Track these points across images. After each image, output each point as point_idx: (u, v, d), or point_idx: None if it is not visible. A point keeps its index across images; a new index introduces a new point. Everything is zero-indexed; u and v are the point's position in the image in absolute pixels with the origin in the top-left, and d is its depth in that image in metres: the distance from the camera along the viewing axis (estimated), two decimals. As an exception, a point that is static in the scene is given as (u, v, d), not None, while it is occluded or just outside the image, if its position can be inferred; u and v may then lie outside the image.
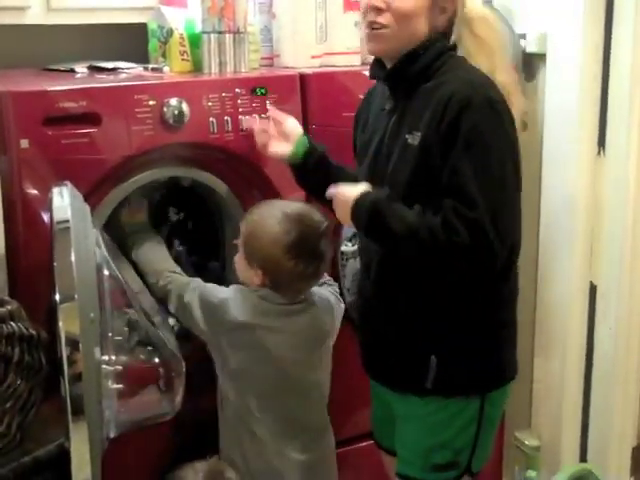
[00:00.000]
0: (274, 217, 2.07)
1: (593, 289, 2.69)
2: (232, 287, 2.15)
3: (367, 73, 2.08)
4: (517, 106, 1.89)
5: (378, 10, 1.87)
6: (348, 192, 1.90)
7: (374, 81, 2.09)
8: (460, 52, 1.93)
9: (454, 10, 1.91)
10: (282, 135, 2.21)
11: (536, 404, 2.87)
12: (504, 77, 1.90)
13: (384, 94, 2.00)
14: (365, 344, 2.10)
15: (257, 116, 2.27)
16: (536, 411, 2.88)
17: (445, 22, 1.91)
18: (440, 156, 1.80)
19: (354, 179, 2.04)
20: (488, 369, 1.98)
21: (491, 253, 1.76)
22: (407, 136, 1.87)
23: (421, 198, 1.83)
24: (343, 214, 1.92)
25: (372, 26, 1.90)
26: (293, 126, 2.21)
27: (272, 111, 2.27)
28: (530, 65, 2.82)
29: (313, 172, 2.18)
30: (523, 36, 2.80)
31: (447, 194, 1.77)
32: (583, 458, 2.80)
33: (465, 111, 1.77)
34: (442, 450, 1.99)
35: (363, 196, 1.87)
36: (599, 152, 2.61)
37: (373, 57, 2.02)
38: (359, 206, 1.87)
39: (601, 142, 2.61)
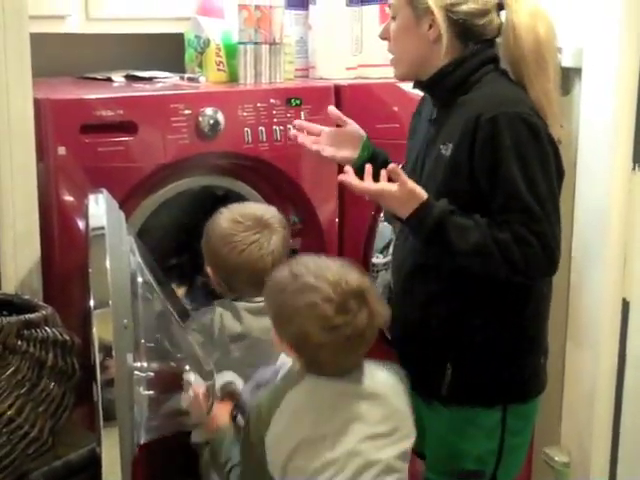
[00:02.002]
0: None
1: (626, 305, 2.67)
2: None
3: (401, 85, 2.10)
4: (551, 117, 1.90)
5: (384, 39, 1.99)
6: (418, 188, 1.84)
7: (401, 95, 2.20)
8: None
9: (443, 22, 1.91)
10: (342, 139, 2.15)
11: (566, 420, 2.85)
12: (538, 89, 1.91)
13: (430, 103, 2.03)
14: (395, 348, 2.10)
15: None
16: (566, 427, 2.86)
17: (437, 36, 1.90)
18: (470, 172, 1.83)
19: None
20: (507, 380, 1.97)
21: (556, 263, 1.84)
22: (441, 146, 1.90)
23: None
24: (398, 205, 1.85)
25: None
26: (356, 129, 2.17)
27: (332, 112, 2.19)
28: (566, 79, 2.80)
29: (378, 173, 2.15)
30: (559, 50, 2.78)
31: (504, 210, 1.80)
32: (613, 475, 2.77)
33: (498, 130, 1.80)
34: (464, 457, 1.99)
35: (431, 201, 1.83)
36: (634, 168, 2.59)
37: None
38: (427, 211, 1.82)
39: (636, 158, 2.59)
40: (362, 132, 2.16)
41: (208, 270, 2.16)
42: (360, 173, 2.08)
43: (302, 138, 2.12)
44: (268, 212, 2.15)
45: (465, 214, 1.83)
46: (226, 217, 2.13)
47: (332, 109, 2.20)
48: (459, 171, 1.85)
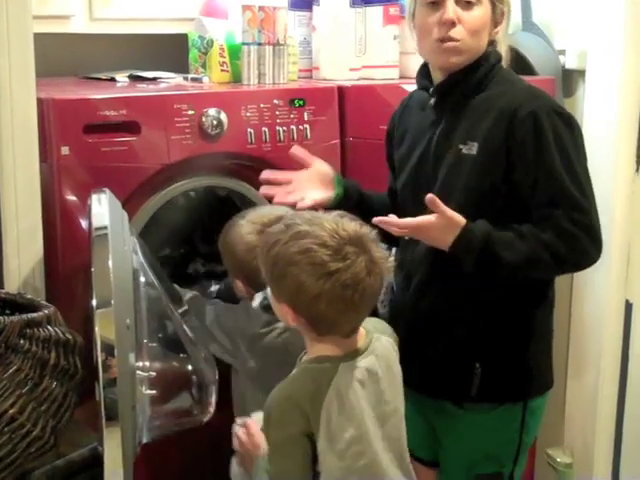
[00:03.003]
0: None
1: (629, 307, 2.67)
2: None
3: (405, 87, 2.10)
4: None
5: (452, 24, 1.89)
6: (456, 215, 1.81)
7: (404, 96, 2.14)
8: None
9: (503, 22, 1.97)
10: (313, 180, 2.11)
11: (569, 421, 2.85)
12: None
13: (424, 106, 2.02)
14: (402, 354, 2.08)
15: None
16: (568, 428, 2.86)
17: (495, 35, 1.96)
18: (506, 169, 1.85)
19: (388, 202, 2.13)
20: (530, 375, 1.99)
21: (600, 253, 1.86)
22: (461, 146, 1.90)
23: (479, 206, 1.87)
24: (439, 234, 1.83)
25: (443, 40, 1.91)
26: (325, 168, 2.14)
27: (296, 152, 2.16)
28: (569, 81, 2.81)
29: (355, 206, 2.09)
30: (563, 52, 2.79)
31: (550, 205, 1.82)
32: (615, 476, 2.77)
33: (539, 125, 1.83)
34: (486, 461, 2.00)
35: (471, 225, 1.81)
36: (637, 170, 2.60)
37: (418, 70, 2.05)
38: (470, 235, 1.80)
39: (639, 159, 2.59)
40: (329, 167, 2.14)
41: (237, 282, 2.10)
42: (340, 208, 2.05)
43: (277, 198, 2.07)
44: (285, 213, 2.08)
45: (503, 226, 1.82)
46: (248, 230, 2.05)
47: (295, 150, 2.17)
48: (491, 169, 1.87)
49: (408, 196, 2.03)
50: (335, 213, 1.71)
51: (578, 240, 1.81)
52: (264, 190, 2.11)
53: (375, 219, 1.79)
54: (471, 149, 1.88)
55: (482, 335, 1.93)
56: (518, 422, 1.98)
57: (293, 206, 2.02)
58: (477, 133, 1.89)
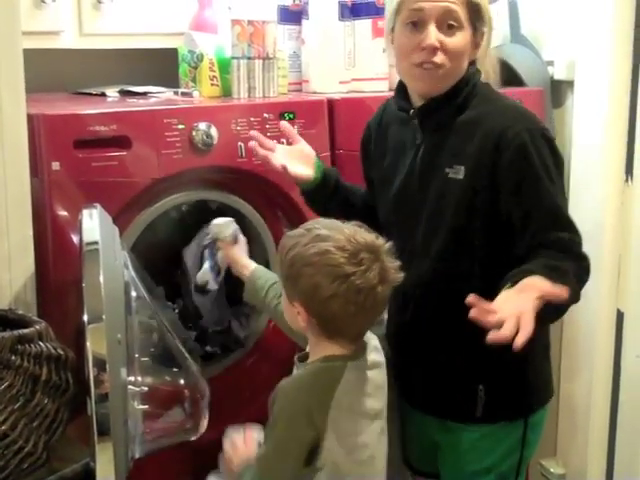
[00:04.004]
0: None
1: (620, 316, 2.68)
2: None
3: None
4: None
5: (434, 50, 1.84)
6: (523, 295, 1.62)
7: (374, 110, 2.13)
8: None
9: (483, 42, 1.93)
10: (294, 156, 2.14)
11: (562, 432, 2.85)
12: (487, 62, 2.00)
13: (404, 126, 1.98)
14: (403, 373, 2.04)
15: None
16: (562, 439, 2.86)
17: (475, 54, 1.94)
18: (492, 192, 1.82)
19: (363, 199, 2.13)
20: (532, 390, 1.98)
21: None
22: (447, 170, 1.87)
23: (468, 229, 1.85)
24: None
25: (424, 65, 1.86)
26: (308, 149, 2.17)
27: (285, 127, 2.21)
28: (558, 92, 2.83)
29: (331, 195, 2.14)
30: (551, 63, 2.81)
31: (547, 228, 1.79)
32: (609, 486, 2.78)
33: (525, 147, 1.80)
34: (487, 475, 1.97)
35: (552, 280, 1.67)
36: (627, 180, 2.61)
37: (396, 88, 2.01)
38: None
39: (629, 170, 2.60)
40: (312, 151, 2.16)
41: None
42: (311, 192, 2.12)
43: (262, 152, 2.12)
44: None
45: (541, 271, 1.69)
46: None
47: (284, 124, 2.21)
48: (479, 193, 1.84)
49: (393, 221, 2.01)
50: (353, 223, 1.78)
51: (586, 260, 1.81)
52: (252, 144, 2.13)
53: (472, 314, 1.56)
54: (458, 173, 1.85)
55: (484, 357, 1.83)
56: (520, 436, 1.96)
57: (283, 207, 2.19)
58: (463, 156, 1.86)
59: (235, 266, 2.20)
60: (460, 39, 1.86)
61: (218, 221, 2.24)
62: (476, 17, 1.88)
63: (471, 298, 1.55)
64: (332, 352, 1.78)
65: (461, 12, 1.84)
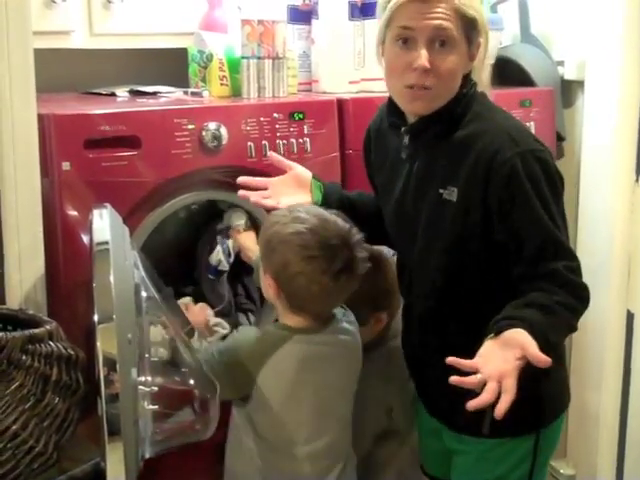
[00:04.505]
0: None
1: (630, 317, 2.67)
2: None
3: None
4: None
5: (425, 72, 1.77)
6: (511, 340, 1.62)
7: (375, 112, 2.09)
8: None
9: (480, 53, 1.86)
10: (288, 185, 2.11)
11: (572, 433, 2.84)
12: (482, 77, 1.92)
13: (398, 139, 1.93)
14: (421, 388, 2.05)
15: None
16: (572, 440, 2.85)
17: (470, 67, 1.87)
18: (483, 215, 1.77)
19: (373, 204, 2.09)
20: (544, 405, 1.92)
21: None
22: (441, 191, 1.82)
23: (463, 252, 1.81)
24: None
25: (414, 88, 1.79)
26: (302, 172, 2.12)
27: (274, 157, 2.18)
28: (569, 92, 2.82)
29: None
30: (561, 63, 2.80)
31: (539, 257, 1.73)
32: (619, 487, 2.77)
33: (517, 176, 1.73)
34: None
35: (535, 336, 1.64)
36: (637, 180, 2.60)
37: (387, 102, 1.97)
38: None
39: (639, 170, 2.60)
40: (307, 172, 2.12)
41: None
42: None
43: (253, 198, 2.09)
44: None
45: (523, 302, 1.69)
46: None
47: (272, 155, 2.19)
48: (471, 216, 1.78)
49: (394, 232, 2.00)
50: (333, 211, 1.93)
51: (583, 289, 1.74)
52: (241, 193, 2.12)
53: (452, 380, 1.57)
54: (451, 195, 1.80)
55: None
56: (531, 447, 1.92)
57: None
58: (456, 178, 1.80)
59: (245, 251, 2.32)
60: (453, 59, 1.78)
61: (232, 210, 2.38)
62: (471, 30, 1.80)
63: (450, 359, 1.56)
64: (291, 323, 1.94)
65: (454, 28, 1.76)
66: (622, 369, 2.70)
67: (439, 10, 1.75)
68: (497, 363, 1.56)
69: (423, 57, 1.75)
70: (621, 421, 2.73)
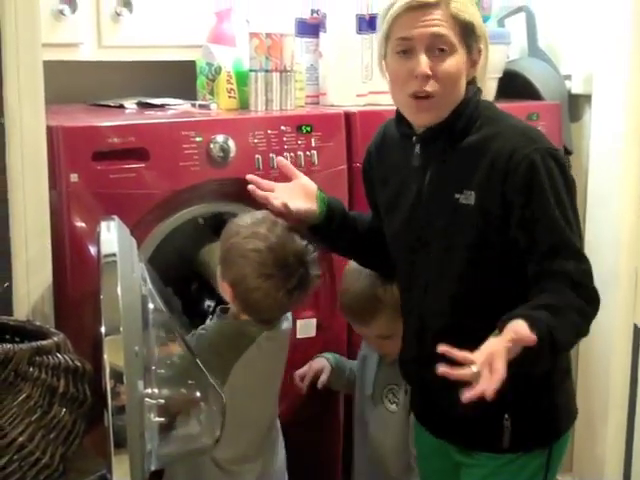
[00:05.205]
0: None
1: (637, 331, 2.67)
2: None
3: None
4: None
5: (426, 78, 1.78)
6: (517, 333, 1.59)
7: (375, 132, 2.07)
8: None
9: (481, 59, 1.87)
10: (295, 192, 2.08)
11: (578, 447, 2.84)
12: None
13: (406, 150, 1.92)
14: (424, 406, 2.03)
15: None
16: (578, 454, 2.85)
17: (473, 73, 1.87)
18: (501, 217, 1.77)
19: (369, 226, 2.09)
20: (557, 416, 1.92)
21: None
22: (457, 195, 1.81)
23: (484, 255, 1.80)
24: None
25: (417, 95, 1.80)
26: (308, 183, 2.10)
27: (283, 163, 2.16)
28: (576, 106, 2.82)
29: (339, 227, 2.07)
30: (569, 77, 2.81)
31: (552, 256, 1.73)
32: (625, 502, 2.76)
33: (535, 171, 1.74)
34: None
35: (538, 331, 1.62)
36: (644, 193, 2.60)
37: (396, 114, 1.96)
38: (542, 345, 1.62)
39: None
40: (313, 184, 2.09)
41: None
42: (322, 228, 2.05)
43: (262, 195, 2.05)
44: None
45: (532, 302, 1.69)
46: None
47: (281, 160, 2.18)
48: (490, 218, 1.78)
49: (401, 248, 1.96)
50: (289, 226, 2.00)
51: (594, 291, 1.74)
52: (252, 187, 2.06)
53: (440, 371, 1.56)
54: (468, 198, 1.79)
55: (506, 386, 1.65)
56: (544, 460, 1.91)
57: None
58: (473, 181, 1.79)
59: None
60: (452, 63, 1.79)
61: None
62: (469, 35, 1.81)
63: (442, 347, 1.56)
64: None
65: (451, 34, 1.78)
66: (629, 383, 2.70)
67: (435, 17, 1.77)
68: (486, 348, 1.57)
69: (423, 63, 1.77)
70: (627, 435, 2.73)
